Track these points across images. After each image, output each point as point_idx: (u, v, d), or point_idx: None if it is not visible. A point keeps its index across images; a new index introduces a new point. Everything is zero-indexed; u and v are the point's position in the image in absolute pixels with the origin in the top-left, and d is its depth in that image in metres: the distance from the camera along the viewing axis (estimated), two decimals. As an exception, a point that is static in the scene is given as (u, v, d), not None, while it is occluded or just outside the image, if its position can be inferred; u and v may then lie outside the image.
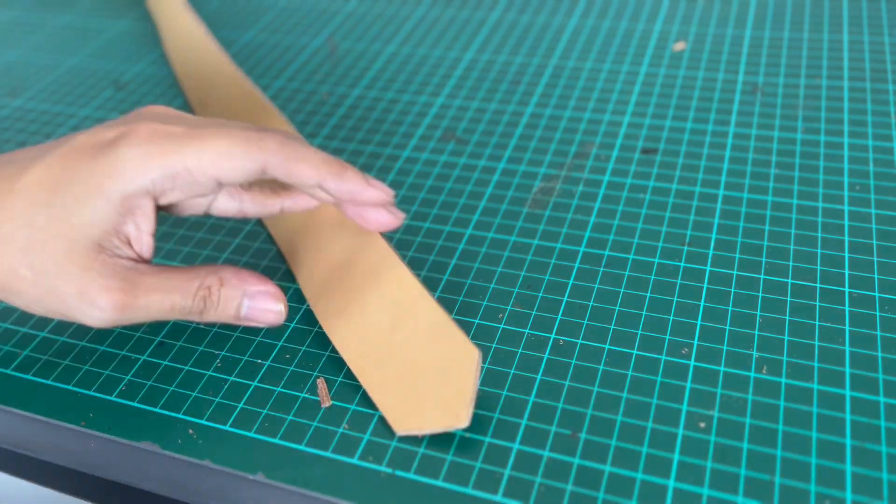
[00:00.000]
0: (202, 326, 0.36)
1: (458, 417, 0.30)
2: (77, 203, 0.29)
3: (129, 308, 0.30)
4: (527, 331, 0.34)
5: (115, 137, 0.31)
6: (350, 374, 0.33)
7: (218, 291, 0.32)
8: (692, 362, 0.32)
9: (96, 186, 0.29)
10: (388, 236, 0.40)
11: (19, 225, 0.29)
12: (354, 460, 0.30)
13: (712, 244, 0.37)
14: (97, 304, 0.30)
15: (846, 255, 0.36)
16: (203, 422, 0.32)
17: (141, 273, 0.31)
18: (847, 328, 0.33)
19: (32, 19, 0.64)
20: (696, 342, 0.33)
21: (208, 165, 0.31)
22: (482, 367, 0.33)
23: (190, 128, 0.31)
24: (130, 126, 0.31)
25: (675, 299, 0.35)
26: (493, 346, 0.34)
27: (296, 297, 0.37)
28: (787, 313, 0.34)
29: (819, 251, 0.36)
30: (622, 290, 0.36)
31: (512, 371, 0.33)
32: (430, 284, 0.37)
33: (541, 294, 0.36)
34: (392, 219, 0.35)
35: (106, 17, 0.64)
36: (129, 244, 0.31)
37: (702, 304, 0.35)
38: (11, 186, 0.30)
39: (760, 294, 0.35)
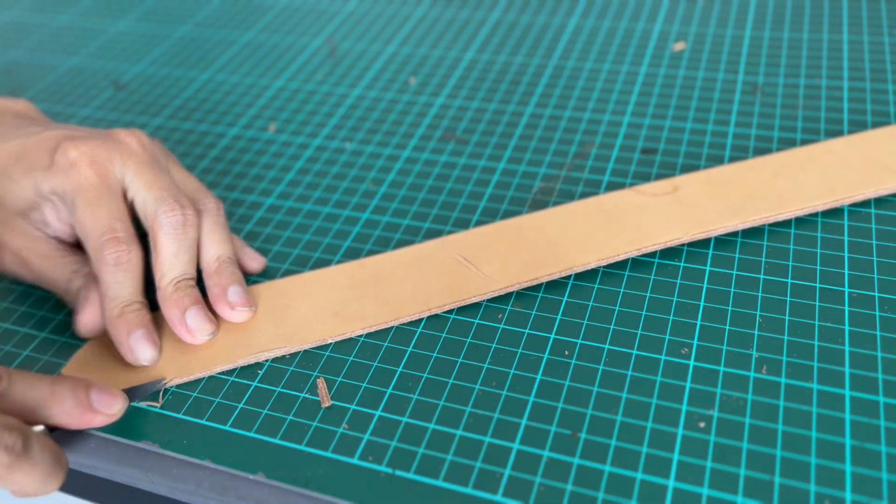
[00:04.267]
0: (202, 326, 0.36)
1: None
2: (20, 177, 0.36)
3: (19, 264, 0.36)
4: (527, 331, 0.34)
5: (60, 144, 0.35)
6: (350, 374, 0.33)
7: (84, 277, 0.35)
8: (692, 362, 0.32)
9: (31, 172, 0.35)
10: (389, 237, 0.40)
11: None
12: (354, 460, 0.30)
13: (712, 244, 0.37)
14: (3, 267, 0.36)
15: (846, 254, 0.36)
16: (203, 422, 0.32)
17: (38, 248, 0.36)
18: (847, 328, 0.33)
19: (32, 19, 0.64)
20: (695, 342, 0.33)
21: (81, 237, 0.35)
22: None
23: (99, 195, 0.34)
24: (75, 145, 0.35)
25: (675, 299, 0.35)
26: (493, 346, 0.34)
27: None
28: (787, 313, 0.34)
29: (819, 251, 0.36)
30: (622, 290, 0.36)
31: (512, 371, 0.33)
32: (430, 284, 0.37)
33: (540, 294, 0.36)
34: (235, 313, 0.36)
35: (106, 17, 0.64)
36: (48, 224, 0.36)
37: (702, 304, 0.35)
38: None
39: (760, 294, 0.35)
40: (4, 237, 0.36)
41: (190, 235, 0.35)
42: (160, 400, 0.33)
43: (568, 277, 0.36)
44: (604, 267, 0.37)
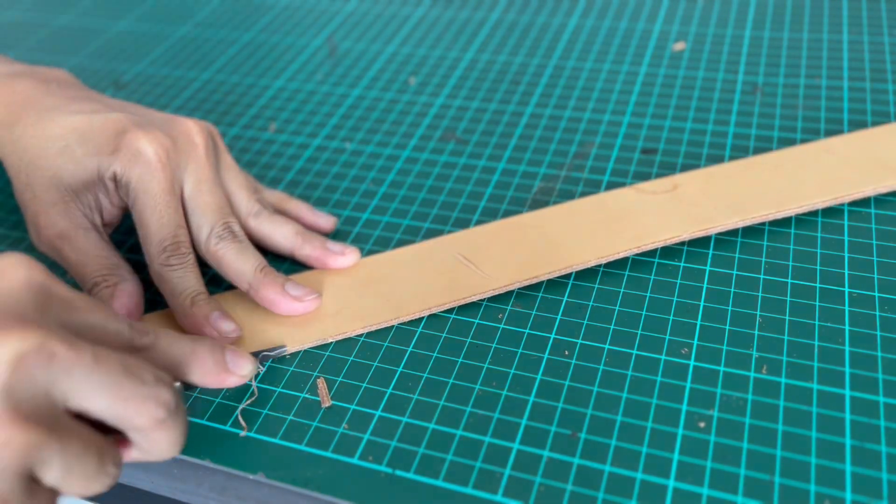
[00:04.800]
0: (202, 326, 0.36)
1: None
2: (83, 157, 0.36)
3: (53, 250, 0.36)
4: (527, 331, 0.34)
5: (127, 130, 0.36)
6: (350, 374, 0.33)
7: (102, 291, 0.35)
8: (692, 362, 0.32)
9: (97, 154, 0.36)
10: (389, 237, 0.40)
11: (43, 145, 0.36)
12: (354, 460, 0.30)
13: (712, 243, 0.37)
14: (33, 229, 0.37)
15: (846, 254, 0.36)
16: (204, 422, 0.32)
17: (78, 239, 0.36)
18: (847, 328, 0.33)
19: (32, 19, 0.64)
20: (695, 342, 0.33)
21: (141, 234, 0.35)
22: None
23: (163, 192, 0.35)
24: (143, 133, 0.36)
25: (675, 299, 0.35)
26: (494, 346, 0.34)
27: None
28: (787, 313, 0.34)
29: (819, 251, 0.36)
30: (622, 290, 0.36)
31: (512, 371, 0.33)
32: (430, 284, 0.37)
33: (541, 294, 0.36)
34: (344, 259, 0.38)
35: (106, 17, 0.64)
36: (100, 212, 0.37)
37: (702, 303, 0.35)
38: (56, 119, 0.37)
39: (760, 294, 0.35)
40: (51, 217, 0.36)
41: (244, 244, 0.36)
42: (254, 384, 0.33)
43: (568, 277, 0.36)
44: (604, 267, 0.37)
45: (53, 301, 0.25)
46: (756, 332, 0.33)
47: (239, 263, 0.36)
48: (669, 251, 0.37)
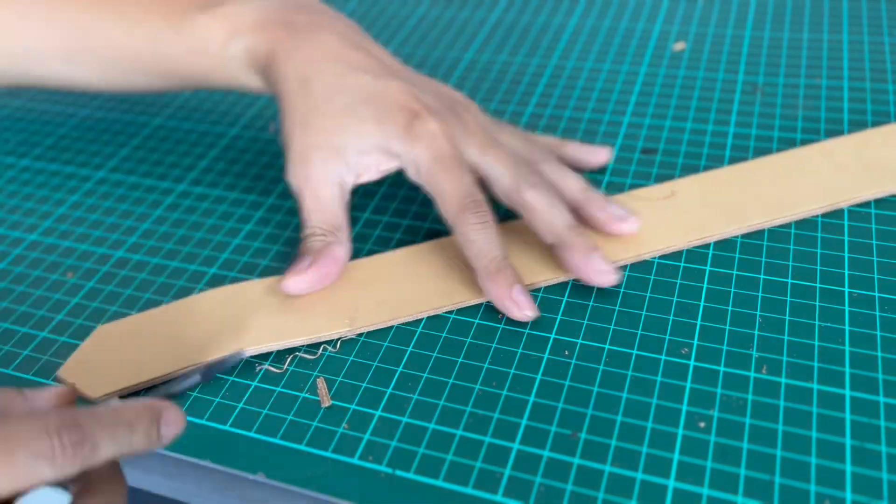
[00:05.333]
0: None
1: None
2: (369, 122, 0.37)
3: (297, 188, 0.37)
4: (527, 331, 0.34)
5: (418, 111, 0.37)
6: (350, 374, 0.33)
7: None
8: (692, 362, 0.32)
9: (381, 123, 0.37)
10: (389, 237, 0.40)
11: (331, 96, 0.37)
12: (354, 460, 0.30)
13: (712, 244, 0.37)
14: (291, 164, 0.38)
15: (846, 254, 0.36)
16: (203, 422, 0.32)
17: (321, 189, 0.37)
18: (847, 328, 0.33)
19: (32, 19, 0.64)
20: (695, 342, 0.33)
21: (437, 201, 0.36)
22: None
23: (455, 165, 0.36)
24: (433, 116, 0.37)
25: (675, 299, 0.35)
26: (493, 345, 0.34)
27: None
28: (787, 313, 0.34)
29: (819, 251, 0.36)
30: (622, 289, 0.36)
31: (512, 371, 0.33)
32: (430, 284, 0.37)
33: (541, 294, 0.36)
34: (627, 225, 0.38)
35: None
36: (357, 174, 0.37)
37: (702, 303, 0.35)
38: (348, 73, 0.38)
39: (760, 294, 0.35)
40: (310, 162, 0.37)
41: (560, 203, 0.36)
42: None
43: (568, 277, 0.36)
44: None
45: None
46: (756, 332, 0.33)
47: (551, 215, 0.36)
48: (670, 251, 0.37)
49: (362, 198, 0.43)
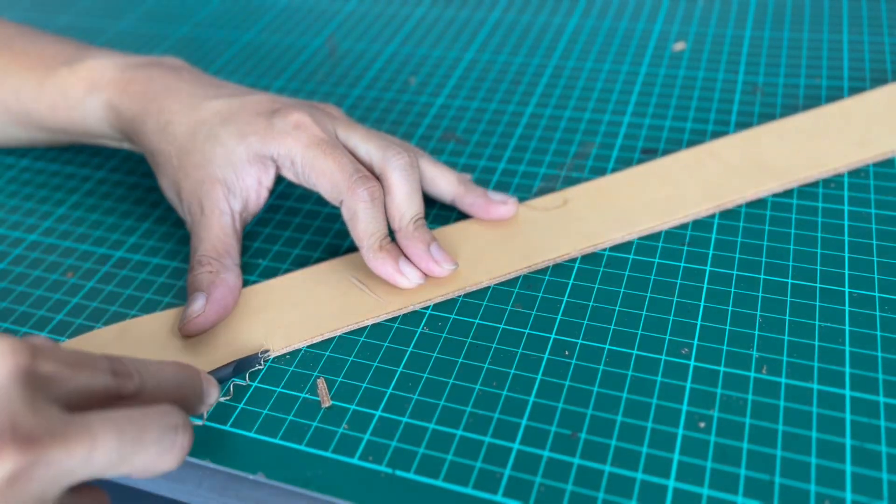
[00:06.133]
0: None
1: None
2: (229, 139, 0.37)
3: (192, 230, 0.38)
4: (527, 331, 0.34)
5: (277, 109, 0.37)
6: (350, 374, 0.33)
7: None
8: (692, 362, 0.32)
9: (243, 136, 0.37)
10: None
11: (193, 132, 0.38)
12: (354, 460, 0.30)
13: (712, 244, 0.37)
14: (177, 201, 0.39)
15: (846, 254, 0.36)
16: (203, 422, 0.32)
17: (210, 219, 0.37)
18: (847, 328, 0.33)
19: (32, 19, 0.64)
20: (695, 342, 0.33)
21: (322, 184, 0.36)
22: None
23: (331, 147, 0.36)
24: (293, 109, 0.37)
25: (675, 299, 0.35)
26: (494, 346, 0.34)
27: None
28: (787, 313, 0.34)
29: (819, 251, 0.36)
30: (622, 290, 0.36)
31: (512, 371, 0.33)
32: (430, 284, 0.37)
33: (541, 294, 0.36)
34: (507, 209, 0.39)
35: (106, 17, 0.64)
36: (244, 196, 0.38)
37: (702, 304, 0.35)
38: (201, 104, 0.39)
39: (760, 294, 0.35)
40: (196, 196, 0.37)
41: (417, 177, 0.37)
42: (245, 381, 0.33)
43: (569, 277, 0.36)
44: (603, 267, 0.37)
45: (40, 382, 0.23)
46: (756, 333, 0.33)
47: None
48: (670, 251, 0.37)
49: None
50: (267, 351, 0.34)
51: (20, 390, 0.22)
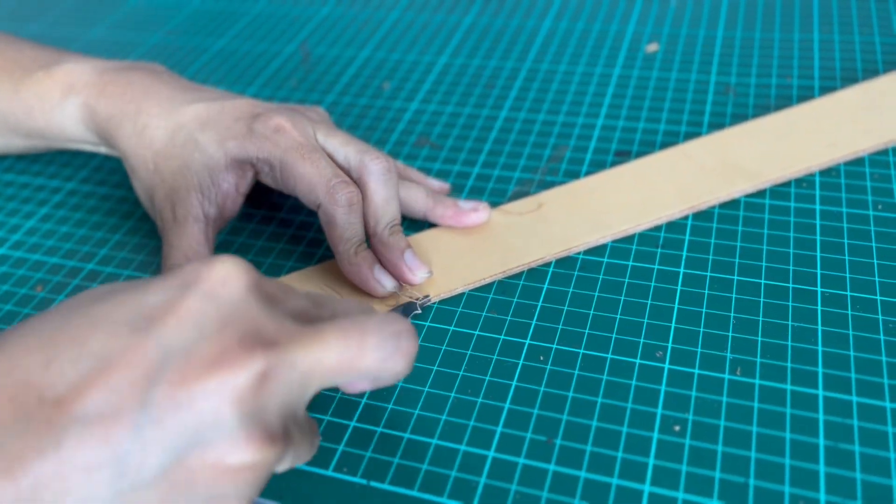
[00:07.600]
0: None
1: None
2: (208, 144, 0.37)
3: (164, 237, 0.37)
4: (502, 336, 0.34)
5: (258, 113, 0.37)
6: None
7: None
8: (666, 365, 0.32)
9: (222, 141, 0.37)
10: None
11: (170, 135, 0.38)
12: (328, 472, 0.30)
13: (685, 246, 0.37)
14: (151, 207, 0.38)
15: (818, 254, 0.36)
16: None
17: (184, 227, 0.36)
18: (819, 328, 0.33)
19: (2, 28, 0.64)
20: (670, 345, 0.33)
21: (300, 189, 0.36)
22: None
23: (310, 151, 0.36)
24: (274, 113, 0.37)
25: (650, 302, 0.35)
26: (469, 352, 0.34)
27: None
28: (761, 314, 0.34)
29: (792, 251, 0.37)
30: (596, 293, 0.36)
31: (487, 378, 0.32)
32: (404, 292, 0.37)
33: (515, 299, 0.36)
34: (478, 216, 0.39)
35: (78, 25, 0.63)
36: (220, 202, 0.37)
37: (676, 306, 0.35)
38: (180, 108, 0.38)
39: (734, 295, 0.35)
40: (170, 202, 0.37)
41: (395, 182, 0.37)
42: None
43: (543, 282, 0.36)
44: (578, 271, 0.37)
45: (268, 297, 0.25)
46: (730, 334, 0.33)
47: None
48: (644, 254, 0.37)
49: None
50: (427, 296, 0.35)
51: (258, 302, 0.24)
